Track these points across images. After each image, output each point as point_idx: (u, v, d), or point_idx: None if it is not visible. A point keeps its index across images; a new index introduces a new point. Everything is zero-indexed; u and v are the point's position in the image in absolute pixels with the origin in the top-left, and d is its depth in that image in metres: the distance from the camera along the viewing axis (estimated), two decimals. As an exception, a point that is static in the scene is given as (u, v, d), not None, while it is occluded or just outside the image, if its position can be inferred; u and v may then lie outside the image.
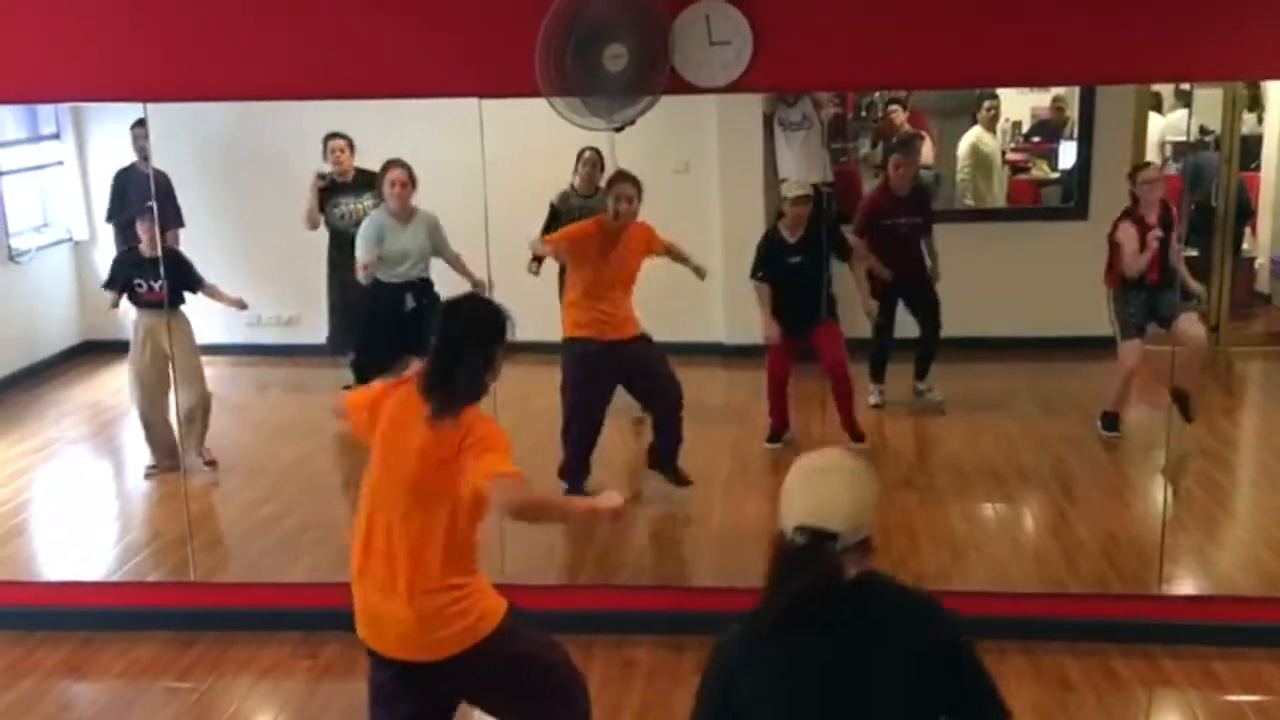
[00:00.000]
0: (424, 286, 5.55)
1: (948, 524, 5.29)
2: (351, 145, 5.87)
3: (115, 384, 6.52)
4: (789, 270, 5.45)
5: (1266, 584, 4.77)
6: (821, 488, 2.16)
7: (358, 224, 5.74)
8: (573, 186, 5.67)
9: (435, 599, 2.98)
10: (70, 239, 6.35)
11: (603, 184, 5.50)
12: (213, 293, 5.57)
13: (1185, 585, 4.82)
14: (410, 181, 5.45)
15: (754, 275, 5.51)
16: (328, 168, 5.89)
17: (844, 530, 2.10)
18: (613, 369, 5.31)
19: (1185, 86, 5.74)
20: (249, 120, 5.41)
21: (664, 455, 5.43)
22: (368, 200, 5.82)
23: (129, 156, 5.47)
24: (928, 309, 5.71)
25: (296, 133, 5.69)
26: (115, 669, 4.59)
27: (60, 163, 6.24)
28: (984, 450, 5.84)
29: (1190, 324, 5.47)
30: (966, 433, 6.04)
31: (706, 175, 5.76)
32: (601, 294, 5.28)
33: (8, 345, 6.15)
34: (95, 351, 6.46)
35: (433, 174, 5.53)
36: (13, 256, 6.21)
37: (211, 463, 5.69)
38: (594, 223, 5.32)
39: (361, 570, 3.09)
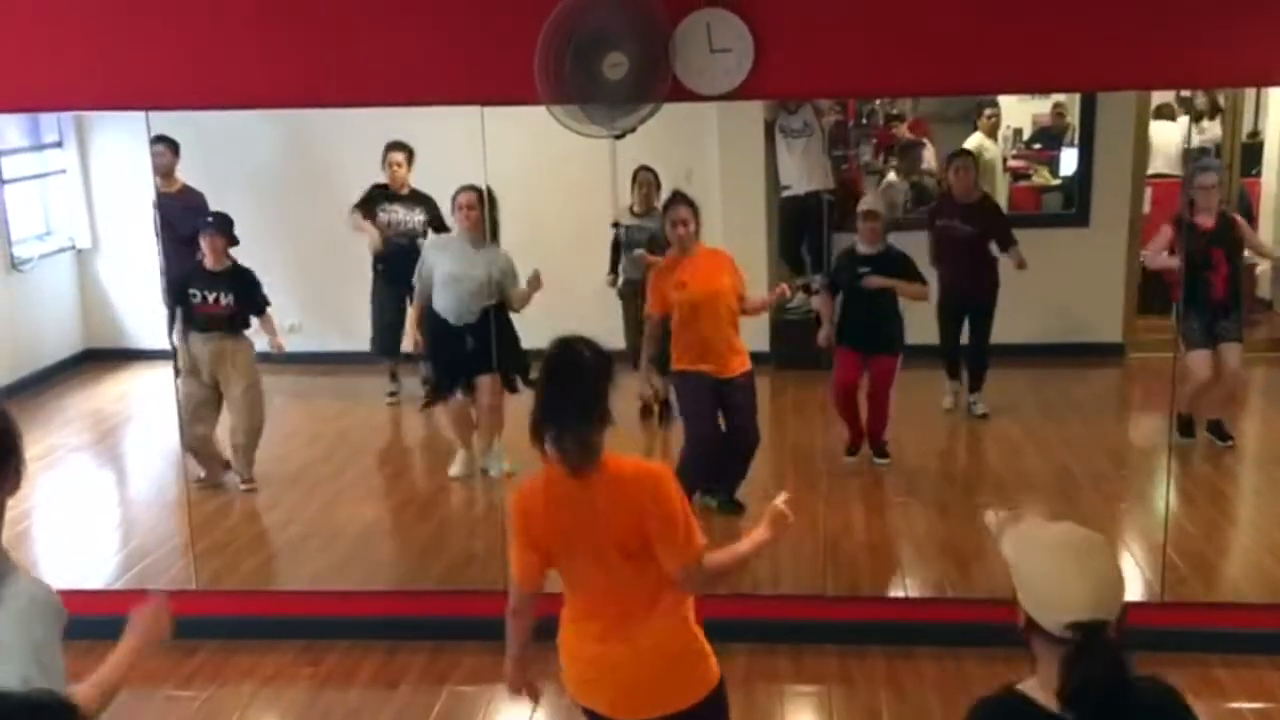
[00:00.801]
0: (483, 325, 5.41)
1: (951, 531, 5.29)
2: (410, 159, 5.82)
3: (117, 392, 6.54)
4: (857, 282, 5.40)
5: (1270, 591, 4.76)
6: (1095, 571, 1.97)
7: (403, 234, 5.78)
8: (631, 209, 5.69)
9: (676, 634, 2.87)
10: (73, 247, 6.36)
11: (658, 204, 5.48)
12: (268, 323, 5.58)
13: (1188, 592, 4.81)
14: (479, 205, 5.30)
15: (822, 287, 5.52)
16: (383, 178, 5.89)
17: (1116, 614, 1.95)
18: (715, 397, 5.18)
19: (1186, 93, 5.75)
20: (253, 133, 5.43)
21: (723, 487, 5.32)
22: (420, 215, 5.82)
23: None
24: (976, 321, 5.66)
25: (304, 145, 5.71)
26: (117, 677, 4.58)
27: (63, 171, 6.25)
28: (987, 456, 5.85)
29: (1230, 353, 5.48)
30: (970, 439, 6.04)
31: (708, 183, 5.76)
32: (692, 324, 5.11)
33: (10, 353, 6.15)
34: (97, 360, 6.47)
35: (439, 183, 5.56)
36: (15, 265, 6.22)
37: (249, 481, 5.67)
38: (662, 265, 5.22)
39: (583, 637, 2.89)
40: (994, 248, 5.53)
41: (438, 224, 5.73)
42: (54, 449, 6.24)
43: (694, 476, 5.12)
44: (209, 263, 5.42)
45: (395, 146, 5.79)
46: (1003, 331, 5.73)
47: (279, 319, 5.73)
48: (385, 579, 5.13)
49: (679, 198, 5.13)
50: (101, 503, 6.07)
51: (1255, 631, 4.51)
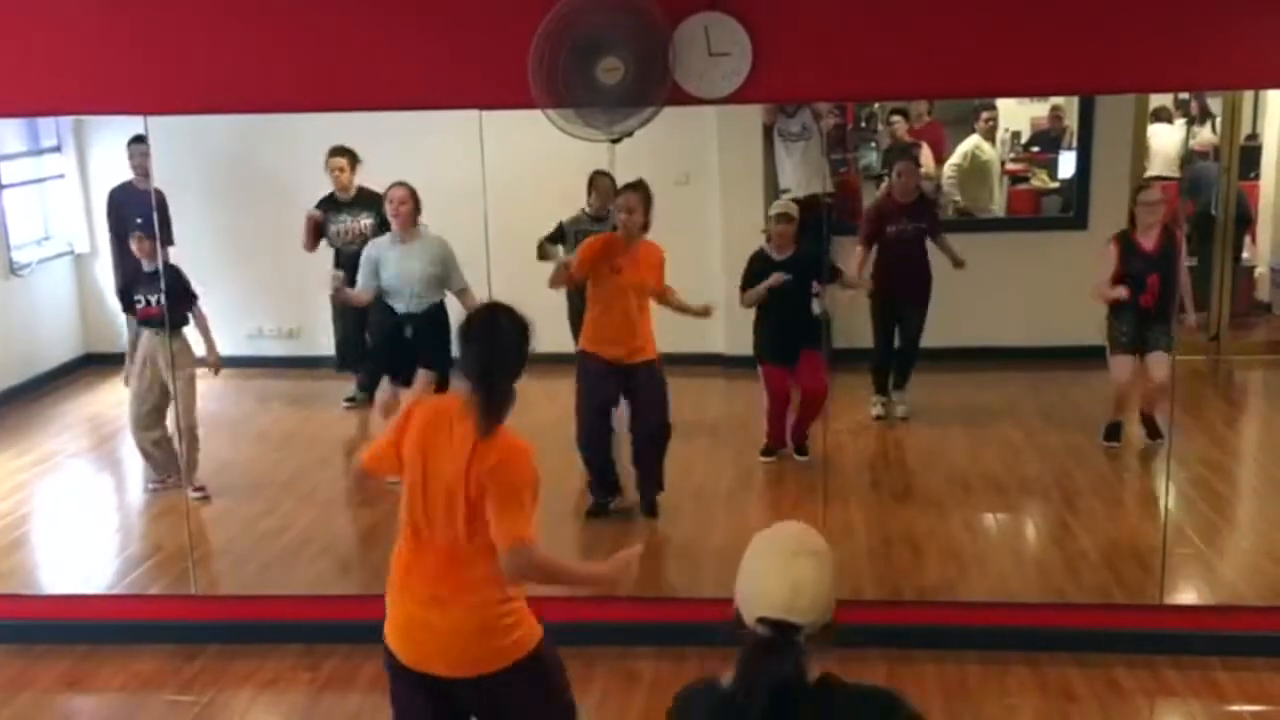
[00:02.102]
0: (425, 319, 5.42)
1: (950, 535, 5.28)
2: (353, 163, 5.79)
3: (116, 397, 6.52)
4: (774, 290, 5.43)
5: (1269, 593, 4.76)
6: (792, 575, 1.97)
7: (353, 243, 5.71)
8: (584, 211, 5.67)
9: (485, 610, 2.94)
10: (71, 252, 6.35)
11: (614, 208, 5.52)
12: (201, 321, 5.52)
13: (1188, 595, 4.81)
14: (410, 199, 5.35)
15: (743, 289, 5.53)
16: (330, 186, 5.85)
17: (812, 621, 1.96)
18: (615, 385, 5.33)
19: (1184, 96, 5.75)
20: (249, 135, 5.41)
21: (641, 484, 5.41)
22: (366, 220, 5.77)
23: (128, 171, 5.47)
24: (912, 322, 5.70)
25: (297, 147, 5.69)
26: (116, 682, 4.58)
27: (61, 176, 6.24)
28: (985, 460, 5.84)
29: (1157, 364, 5.34)
30: (968, 443, 6.03)
31: (706, 186, 5.76)
32: (609, 308, 5.27)
33: (9, 358, 6.15)
34: (96, 364, 6.46)
35: (434, 189, 5.54)
36: (14, 270, 6.21)
37: (201, 489, 5.55)
38: (603, 237, 5.33)
39: (404, 583, 3.02)
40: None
41: (387, 224, 5.70)
42: (53, 454, 6.24)
43: (584, 453, 5.37)
44: (145, 265, 5.40)
45: (336, 152, 5.75)
46: (1000, 334, 5.74)
47: (279, 324, 5.71)
48: (384, 583, 5.11)
49: (633, 185, 5.18)
50: (100, 508, 6.06)
51: (1254, 634, 4.51)
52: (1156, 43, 4.18)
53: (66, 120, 5.93)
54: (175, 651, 4.74)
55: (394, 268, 5.44)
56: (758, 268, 5.49)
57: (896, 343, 5.81)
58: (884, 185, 6.10)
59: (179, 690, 4.52)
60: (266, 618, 4.85)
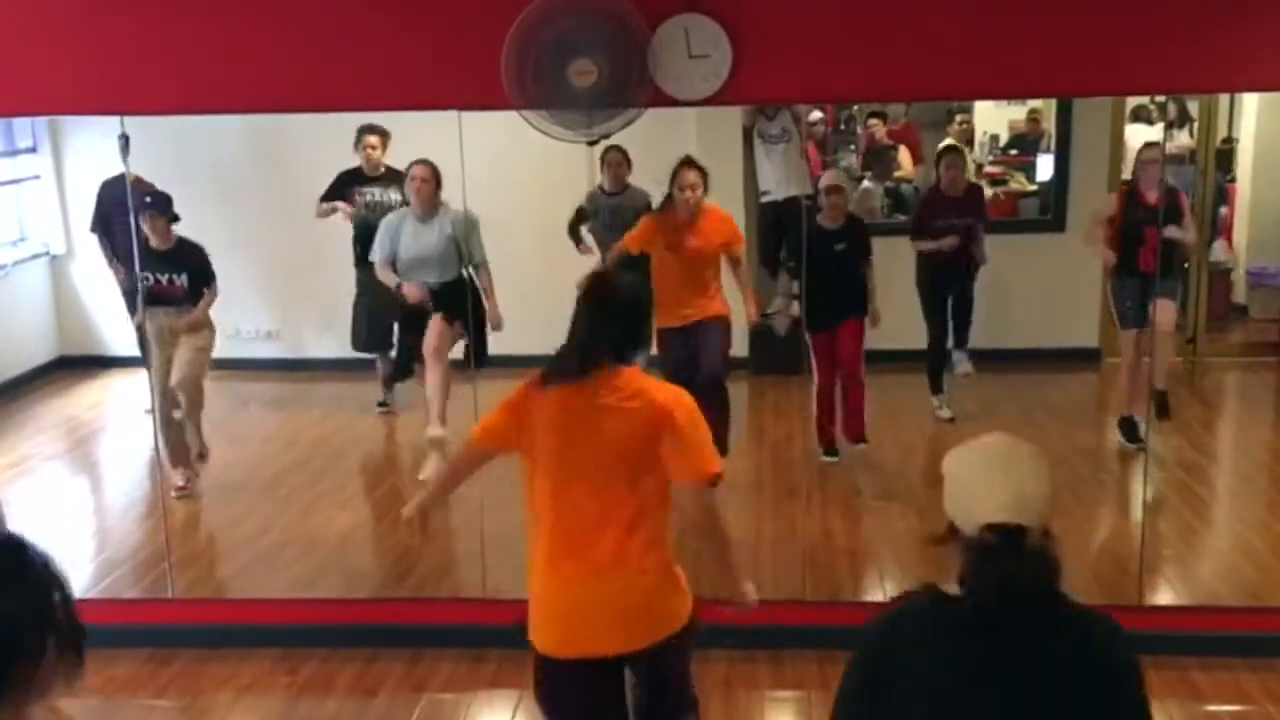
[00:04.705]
0: (447, 292, 5.44)
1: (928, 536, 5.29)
2: (384, 141, 5.81)
3: (91, 399, 6.49)
4: (831, 257, 5.44)
5: (1246, 594, 4.79)
6: (1015, 477, 1.96)
7: (380, 215, 5.73)
8: (600, 187, 5.68)
9: (655, 572, 2.90)
10: (47, 253, 6.32)
11: (631, 180, 5.60)
12: (208, 299, 5.46)
13: (1165, 595, 4.83)
14: (433, 178, 5.38)
15: (784, 263, 5.59)
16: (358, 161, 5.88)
17: (1039, 523, 1.92)
18: (687, 344, 5.32)
19: (1161, 98, 5.79)
20: (228, 137, 5.40)
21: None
22: (395, 193, 5.80)
23: (105, 170, 5.43)
24: (960, 314, 5.74)
25: (274, 146, 5.68)
26: (92, 686, 4.53)
27: (37, 176, 6.21)
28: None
29: (1163, 310, 5.37)
30: (948, 444, 6.03)
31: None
32: (676, 282, 5.24)
33: (-16, 360, 6.11)
34: (72, 366, 6.42)
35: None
36: (-11, 271, 6.18)
37: (183, 488, 5.51)
38: (652, 221, 5.36)
39: (557, 568, 2.90)
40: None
41: (408, 202, 5.70)
42: (27, 457, 6.19)
43: None
44: (154, 243, 5.35)
45: (369, 129, 5.76)
46: (980, 337, 5.76)
47: (258, 325, 5.67)
48: (363, 586, 5.11)
49: (688, 162, 5.22)
50: (75, 511, 6.01)
51: (1231, 634, 4.53)
52: (1134, 45, 4.20)
53: (42, 121, 5.90)
54: (151, 655, 4.71)
55: (410, 241, 5.46)
56: (812, 239, 5.48)
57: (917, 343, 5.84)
58: (934, 178, 6.11)
59: (155, 695, 4.49)
60: (244, 621, 4.82)
